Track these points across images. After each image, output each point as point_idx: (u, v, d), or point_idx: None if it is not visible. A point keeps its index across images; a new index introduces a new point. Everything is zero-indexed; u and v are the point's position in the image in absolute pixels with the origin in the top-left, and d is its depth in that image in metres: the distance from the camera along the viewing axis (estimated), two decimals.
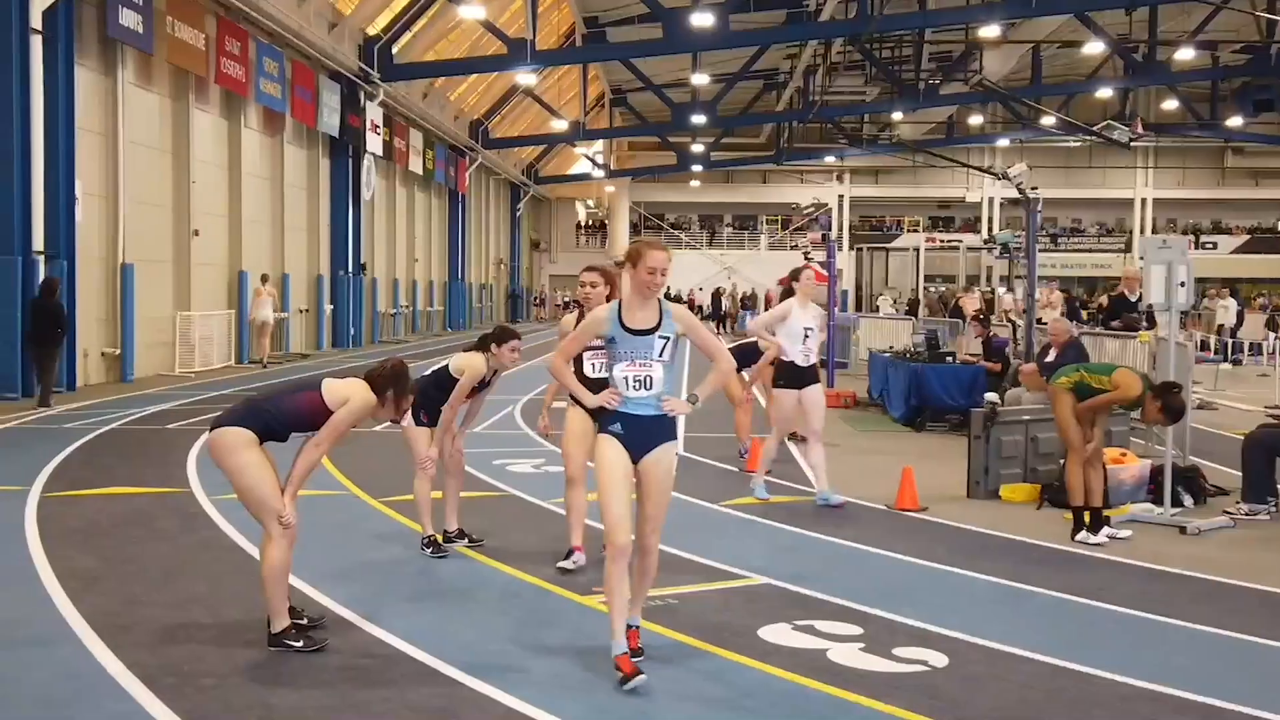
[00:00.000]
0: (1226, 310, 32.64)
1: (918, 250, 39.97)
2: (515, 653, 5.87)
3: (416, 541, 8.10)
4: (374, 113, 32.10)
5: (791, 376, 10.07)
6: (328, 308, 31.30)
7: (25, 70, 17.19)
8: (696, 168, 53.92)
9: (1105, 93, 43.16)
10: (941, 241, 56.88)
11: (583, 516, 7.58)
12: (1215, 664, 5.94)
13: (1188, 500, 10.19)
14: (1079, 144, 56.95)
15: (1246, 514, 9.67)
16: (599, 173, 54.29)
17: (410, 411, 7.54)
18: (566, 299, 55.46)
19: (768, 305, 49.98)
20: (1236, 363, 28.74)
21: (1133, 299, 16.62)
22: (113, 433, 14.06)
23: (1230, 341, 30.52)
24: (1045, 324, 15.24)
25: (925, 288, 36.93)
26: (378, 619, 6.36)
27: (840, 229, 60.26)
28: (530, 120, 50.84)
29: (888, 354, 17.95)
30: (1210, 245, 59.51)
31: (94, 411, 15.87)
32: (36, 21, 17.27)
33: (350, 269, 32.18)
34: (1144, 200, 63.19)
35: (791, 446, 13.47)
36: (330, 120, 29.74)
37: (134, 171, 21.09)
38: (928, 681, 5.52)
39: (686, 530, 8.36)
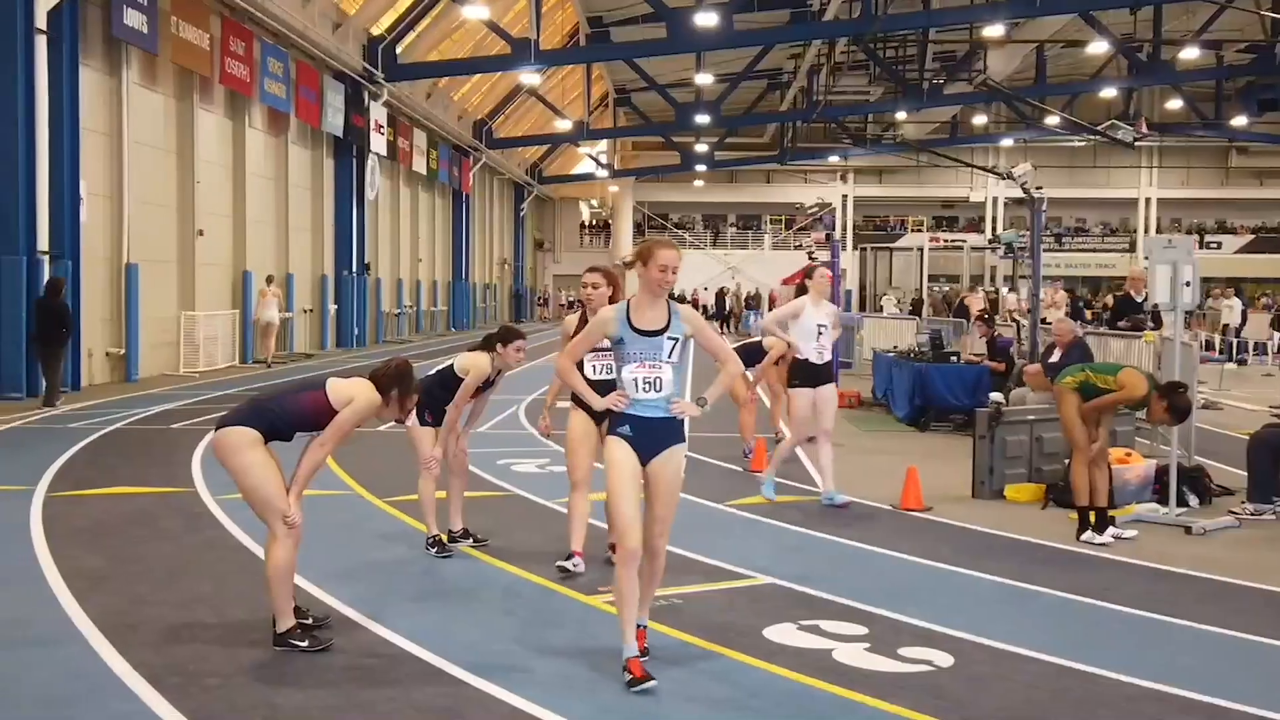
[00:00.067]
0: (1231, 310, 32.59)
1: (922, 250, 40.04)
2: (520, 652, 5.87)
3: (421, 541, 8.11)
4: (378, 113, 32.12)
5: (806, 375, 9.99)
6: (332, 308, 31.32)
7: (30, 70, 17.22)
8: (700, 167, 53.93)
9: (1109, 92, 43.09)
10: (945, 241, 56.97)
11: (585, 522, 7.55)
12: (1221, 664, 5.93)
13: (1193, 500, 10.18)
14: (1083, 144, 56.86)
15: (1252, 514, 9.66)
16: (603, 172, 54.29)
17: (415, 411, 7.53)
18: (570, 299, 55.49)
19: (772, 305, 50.05)
20: (1241, 362, 28.72)
21: (1138, 299, 16.59)
22: (117, 432, 14.08)
23: (1235, 341, 30.48)
24: (1050, 324, 15.23)
25: (929, 287, 36.95)
26: (382, 619, 6.36)
27: (844, 229, 60.31)
28: (534, 120, 50.86)
29: (892, 354, 17.95)
30: (1214, 245, 59.38)
31: (99, 411, 15.89)
32: (41, 21, 17.30)
33: (354, 269, 32.20)
34: (1148, 200, 63.11)
35: (797, 447, 13.48)
36: (334, 120, 29.76)
37: (139, 171, 21.11)
38: (933, 681, 5.52)
39: (691, 530, 8.35)
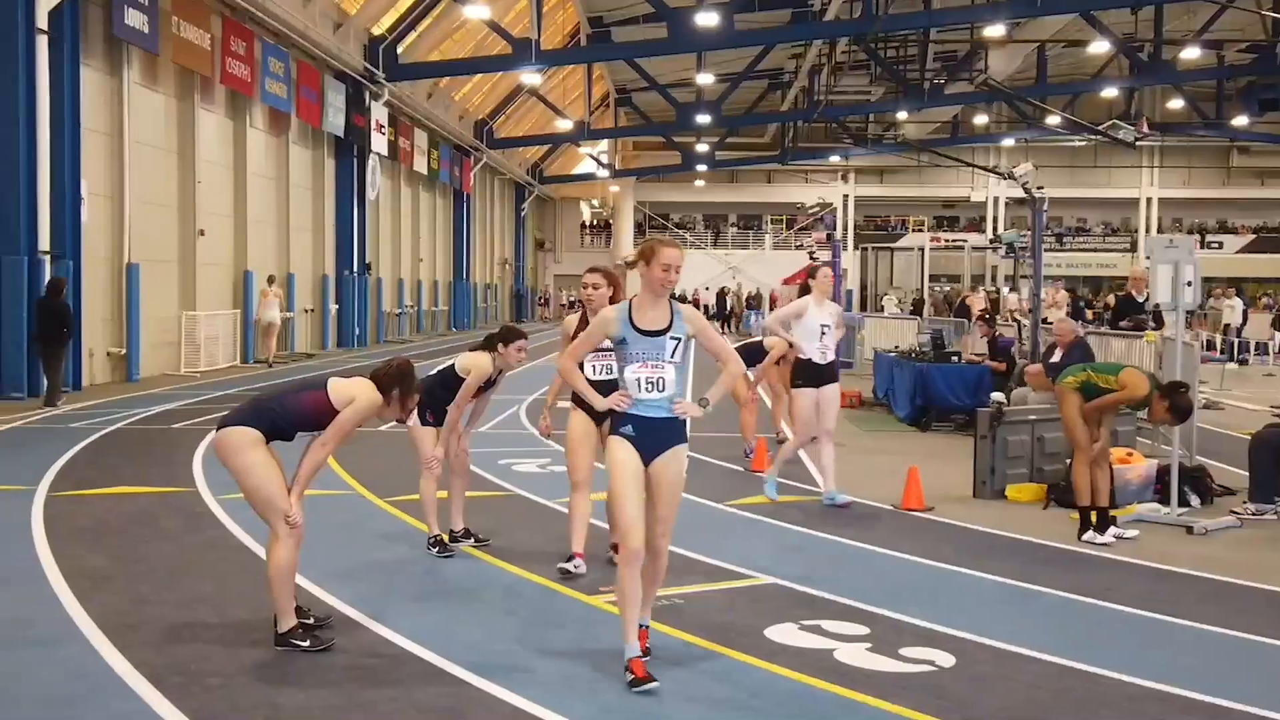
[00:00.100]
0: (1233, 310, 32.58)
1: (922, 250, 40.01)
2: (521, 652, 5.87)
3: (422, 541, 8.11)
4: (379, 112, 32.13)
5: (810, 375, 9.97)
6: (333, 307, 31.33)
7: (31, 70, 17.22)
8: (701, 167, 53.92)
9: (1110, 92, 43.10)
10: (946, 241, 56.95)
11: (586, 523, 7.54)
12: (1222, 664, 5.93)
13: (1194, 500, 10.17)
14: (1084, 143, 56.86)
15: (1253, 514, 9.66)
16: (604, 172, 54.29)
17: (416, 411, 7.53)
18: (571, 299, 55.49)
19: (773, 305, 50.06)
20: (1243, 362, 28.71)
21: (1140, 300, 16.60)
22: (118, 432, 14.08)
23: (1236, 341, 30.48)
24: (1051, 324, 15.22)
25: (930, 287, 36.95)
26: (384, 618, 6.36)
27: (845, 229, 60.30)
28: (535, 120, 50.87)
29: (893, 354, 17.95)
30: (1216, 245, 59.39)
31: (100, 411, 15.89)
32: (42, 21, 17.30)
33: (355, 269, 32.20)
34: (1149, 200, 63.10)
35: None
36: (335, 120, 29.76)
37: (139, 171, 21.11)
38: (935, 681, 5.52)
39: (693, 530, 8.35)
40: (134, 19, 19.60)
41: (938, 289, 42.81)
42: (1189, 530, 9.13)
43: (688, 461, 5.73)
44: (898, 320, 26.79)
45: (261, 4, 24.14)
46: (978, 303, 26.82)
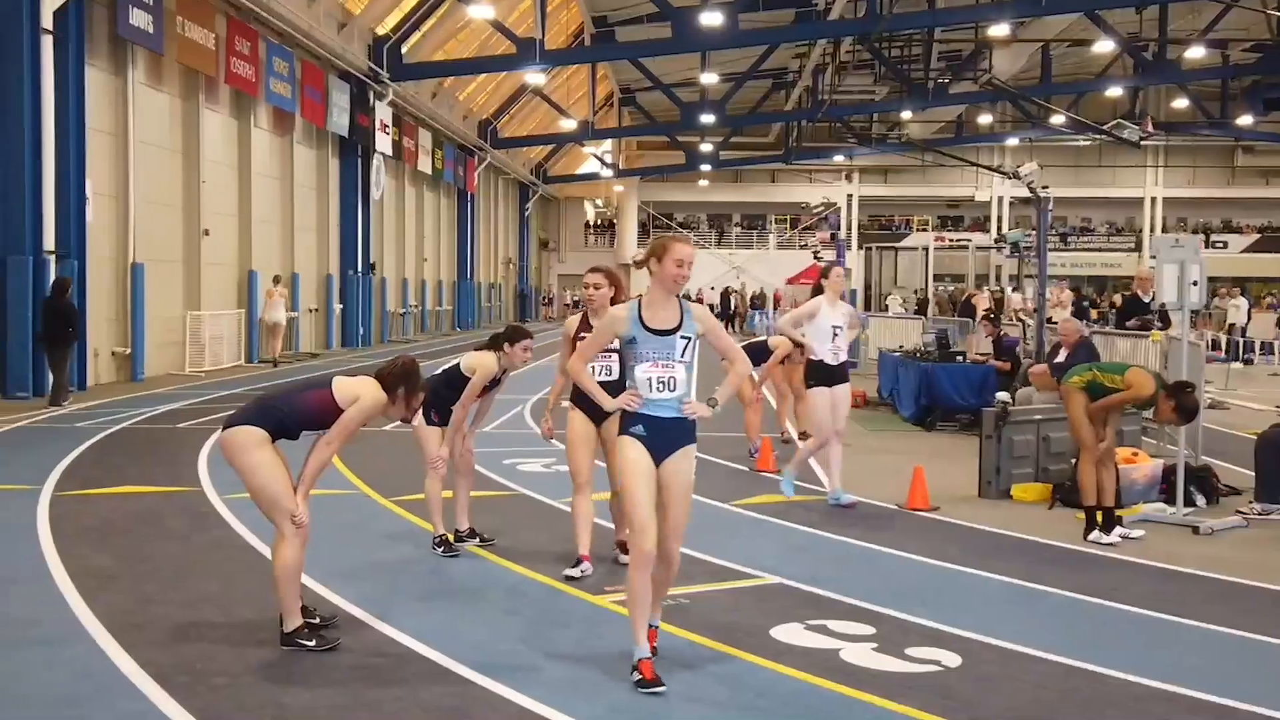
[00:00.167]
0: (1238, 309, 32.54)
1: (927, 249, 39.91)
2: (527, 652, 5.87)
3: (427, 540, 8.11)
4: (383, 112, 32.13)
5: (822, 375, 9.94)
6: (337, 307, 31.34)
7: (36, 70, 17.23)
8: (705, 167, 53.88)
9: (1115, 91, 43.04)
10: (950, 241, 56.81)
11: (589, 524, 7.53)
12: (1229, 664, 5.92)
13: (1200, 500, 10.16)
14: (1089, 143, 56.76)
15: (1260, 514, 9.64)
16: (607, 172, 54.28)
17: (421, 411, 7.53)
18: (575, 298, 55.51)
19: (776, 305, 50.04)
20: (1248, 362, 28.67)
21: (1146, 300, 16.57)
22: (124, 432, 14.09)
23: (1241, 341, 30.44)
24: (1056, 323, 15.20)
25: (934, 287, 36.88)
26: (389, 618, 6.36)
27: (849, 228, 60.30)
28: (539, 120, 50.87)
29: (897, 353, 17.94)
30: (1220, 244, 59.29)
31: (105, 411, 15.90)
32: (47, 21, 17.31)
33: (359, 268, 32.21)
34: (1154, 199, 62.99)
35: (802, 446, 13.47)
36: (340, 120, 29.77)
37: (144, 171, 21.13)
38: (941, 681, 5.51)
39: (698, 530, 8.31)
40: (139, 19, 19.61)
41: (942, 289, 42.70)
42: (1195, 530, 9.12)
43: (696, 462, 5.71)
44: (902, 320, 26.76)
45: (266, 4, 24.15)
46: (982, 302, 26.81)
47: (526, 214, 58.33)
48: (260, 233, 26.39)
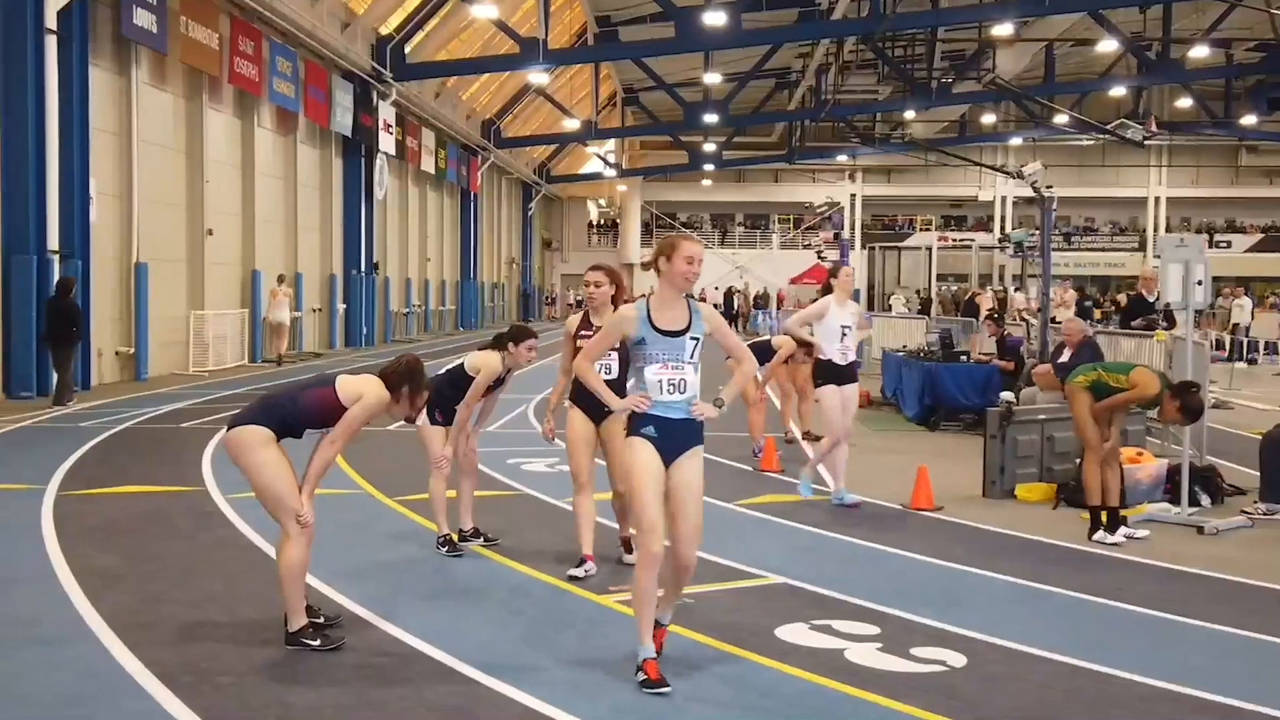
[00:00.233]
0: (1242, 309, 32.51)
1: (930, 249, 39.92)
2: (531, 652, 5.87)
3: (431, 540, 8.11)
4: (387, 112, 32.13)
5: (831, 375, 9.90)
6: (340, 307, 31.36)
7: (40, 70, 17.24)
8: (708, 167, 53.89)
9: (1119, 91, 43.02)
10: (954, 240, 56.79)
11: (591, 523, 7.52)
12: (1234, 664, 5.91)
13: (1205, 500, 10.14)
14: (1092, 142, 56.76)
15: (1264, 513, 9.63)
16: (611, 172, 54.29)
17: (425, 410, 7.53)
18: (578, 298, 55.49)
19: (779, 304, 50.03)
20: (1252, 362, 28.65)
21: (1150, 300, 16.55)
22: (127, 431, 14.10)
23: (1245, 340, 30.41)
24: (1060, 323, 15.18)
25: (938, 287, 36.88)
26: (393, 617, 6.36)
27: (852, 228, 60.26)
28: (542, 119, 50.88)
29: (901, 353, 17.92)
30: (1224, 244, 59.25)
31: (109, 410, 15.92)
32: (51, 21, 17.33)
33: (363, 268, 32.23)
34: (1157, 199, 62.96)
35: (806, 446, 13.47)
36: (343, 120, 29.78)
37: (148, 171, 21.14)
38: (946, 681, 5.50)
39: (703, 530, 8.33)
40: (142, 19, 19.63)
41: (945, 288, 42.69)
42: (1200, 530, 9.10)
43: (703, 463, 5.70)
44: (905, 319, 26.74)
45: (269, 4, 24.17)
46: (986, 302, 26.78)
47: (530, 214, 58.35)
48: (264, 232, 26.41)
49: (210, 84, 23.40)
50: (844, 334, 9.89)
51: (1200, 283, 9.66)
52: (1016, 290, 30.83)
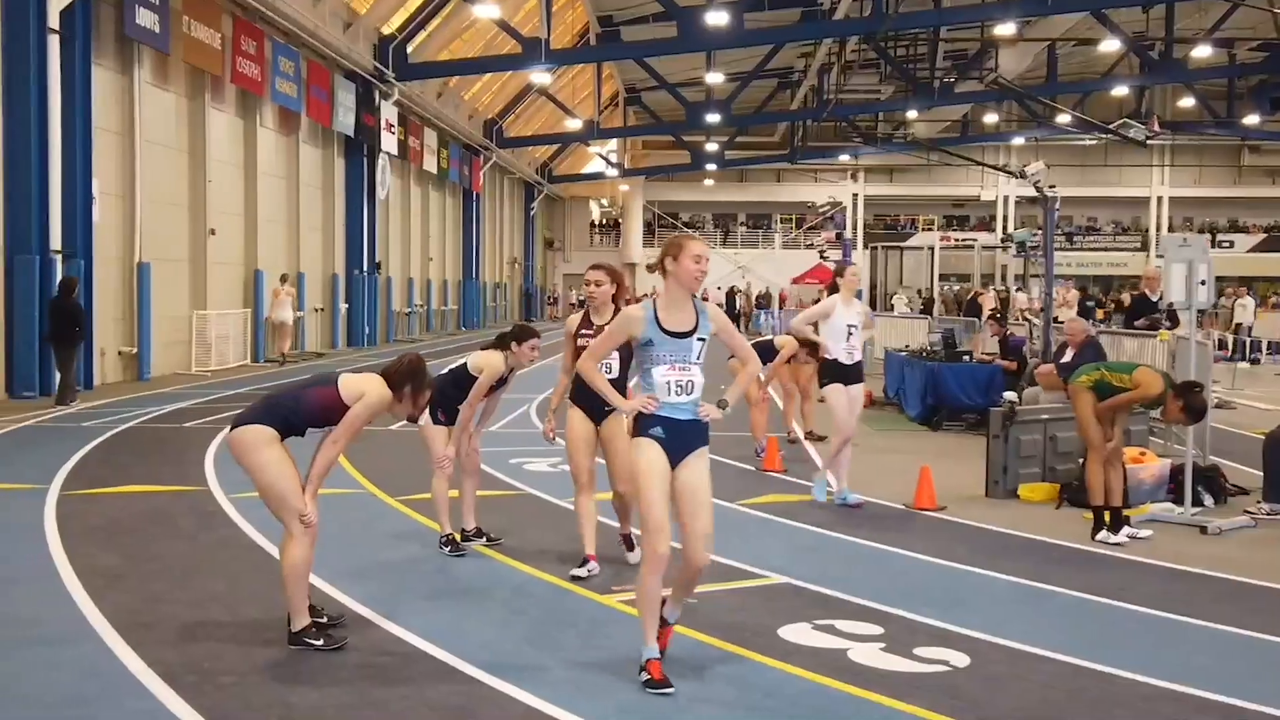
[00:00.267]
0: (1245, 309, 32.48)
1: (932, 249, 39.88)
2: (533, 651, 5.87)
3: (434, 540, 8.11)
4: (389, 112, 32.15)
5: (837, 374, 9.89)
6: (343, 307, 31.38)
7: (43, 70, 17.25)
8: (711, 166, 53.90)
9: (1121, 90, 42.99)
10: (956, 240, 56.78)
11: (593, 523, 7.51)
12: (1237, 664, 5.90)
13: (1208, 500, 10.13)
14: (1094, 142, 56.74)
15: (1268, 513, 9.61)
16: (613, 172, 54.29)
17: (427, 410, 7.53)
18: (580, 298, 55.48)
19: (782, 304, 50.01)
20: (1254, 361, 28.63)
21: (1154, 299, 16.54)
22: (130, 431, 14.10)
23: (1248, 340, 30.40)
24: (1062, 323, 15.17)
25: (940, 286, 36.87)
26: (396, 617, 6.36)
27: (854, 228, 60.27)
28: (544, 119, 50.88)
29: (904, 353, 17.91)
30: (1227, 244, 59.21)
31: (111, 410, 15.92)
32: (54, 21, 17.34)
33: (365, 268, 32.24)
34: (1160, 199, 62.95)
35: (809, 446, 13.47)
36: (345, 119, 29.79)
37: (150, 171, 21.15)
38: (949, 681, 5.50)
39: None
40: (145, 18, 19.64)
41: (947, 288, 42.67)
42: (1203, 530, 9.09)
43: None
44: (908, 319, 26.72)
45: (272, 3, 24.18)
46: (989, 301, 26.76)
47: (532, 213, 58.36)
48: (266, 232, 26.42)
49: (213, 84, 23.42)
50: (850, 333, 9.87)
51: (1204, 282, 9.65)
52: (1018, 290, 30.82)
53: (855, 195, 63.09)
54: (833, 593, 7.01)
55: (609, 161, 53.70)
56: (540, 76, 38.01)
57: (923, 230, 62.04)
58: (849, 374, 9.91)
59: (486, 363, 7.79)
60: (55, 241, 17.59)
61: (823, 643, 6.04)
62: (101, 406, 16.32)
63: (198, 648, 5.82)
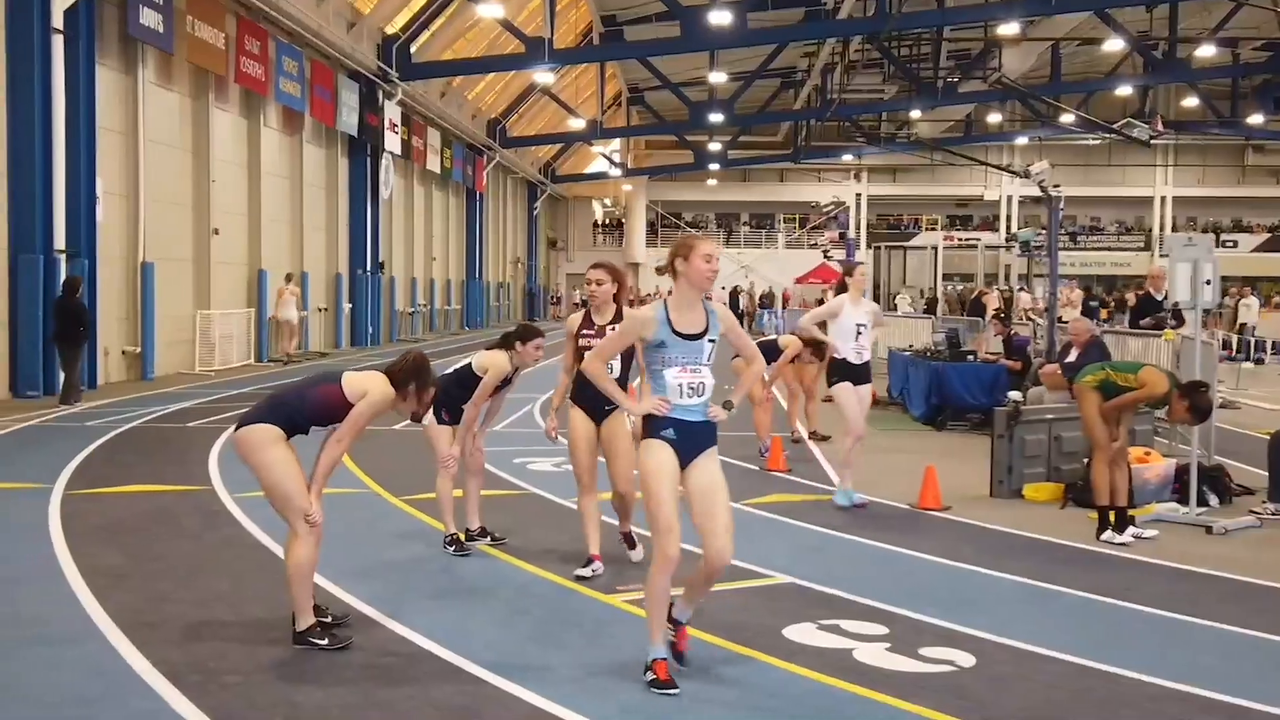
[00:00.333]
0: (1249, 309, 32.44)
1: (936, 249, 39.86)
2: (538, 651, 5.86)
3: (438, 539, 8.11)
4: (392, 112, 32.16)
5: (846, 374, 9.84)
6: (346, 306, 31.39)
7: (47, 69, 17.27)
8: (714, 166, 53.87)
9: (1125, 90, 42.95)
10: (959, 240, 56.81)
11: (597, 523, 7.51)
12: (1242, 664, 5.89)
13: (1213, 500, 10.11)
14: (1098, 142, 56.70)
15: (1273, 513, 9.59)
16: (616, 171, 54.27)
17: (432, 409, 7.52)
18: (583, 298, 55.46)
19: (785, 304, 49.99)
20: (1258, 361, 28.60)
21: (1159, 297, 16.51)
22: (134, 431, 14.11)
23: (1252, 340, 30.36)
24: (1067, 323, 15.14)
25: (944, 286, 36.85)
26: (401, 617, 6.36)
27: (858, 227, 60.26)
28: (547, 119, 50.88)
29: (908, 352, 17.89)
30: (1230, 244, 59.13)
31: (115, 409, 15.93)
32: (58, 21, 17.35)
33: (368, 268, 32.25)
34: (1163, 198, 62.90)
35: (813, 446, 13.46)
36: (349, 119, 29.80)
37: (154, 170, 21.17)
38: (955, 681, 5.49)
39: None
40: (149, 18, 19.65)
41: (951, 288, 42.68)
42: (1208, 530, 9.08)
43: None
44: (912, 319, 26.70)
45: (275, 3, 24.18)
46: (992, 301, 26.76)
47: (535, 213, 58.36)
48: (270, 232, 26.43)
49: (216, 83, 23.42)
50: (859, 332, 9.83)
51: (1209, 282, 9.63)
52: (1020, 290, 30.82)
53: (858, 195, 63.06)
54: (837, 592, 7.00)
55: (612, 161, 53.67)
56: (543, 76, 38.03)
57: (926, 230, 62.01)
58: (858, 373, 9.87)
59: (491, 362, 7.79)
60: (59, 241, 17.60)
61: (827, 643, 6.04)
62: (105, 406, 16.32)
63: (202, 647, 5.82)
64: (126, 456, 12.13)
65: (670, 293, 5.55)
